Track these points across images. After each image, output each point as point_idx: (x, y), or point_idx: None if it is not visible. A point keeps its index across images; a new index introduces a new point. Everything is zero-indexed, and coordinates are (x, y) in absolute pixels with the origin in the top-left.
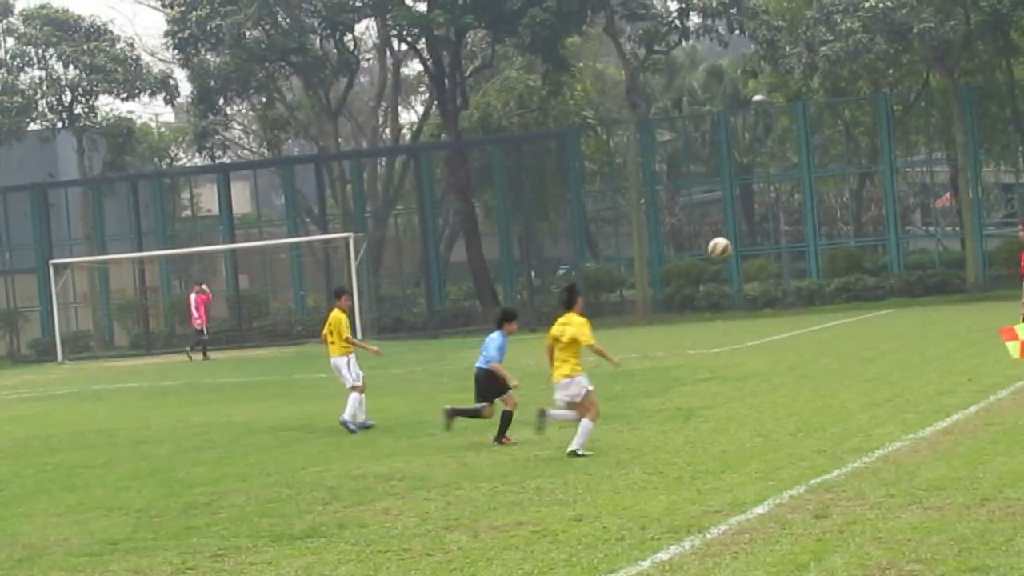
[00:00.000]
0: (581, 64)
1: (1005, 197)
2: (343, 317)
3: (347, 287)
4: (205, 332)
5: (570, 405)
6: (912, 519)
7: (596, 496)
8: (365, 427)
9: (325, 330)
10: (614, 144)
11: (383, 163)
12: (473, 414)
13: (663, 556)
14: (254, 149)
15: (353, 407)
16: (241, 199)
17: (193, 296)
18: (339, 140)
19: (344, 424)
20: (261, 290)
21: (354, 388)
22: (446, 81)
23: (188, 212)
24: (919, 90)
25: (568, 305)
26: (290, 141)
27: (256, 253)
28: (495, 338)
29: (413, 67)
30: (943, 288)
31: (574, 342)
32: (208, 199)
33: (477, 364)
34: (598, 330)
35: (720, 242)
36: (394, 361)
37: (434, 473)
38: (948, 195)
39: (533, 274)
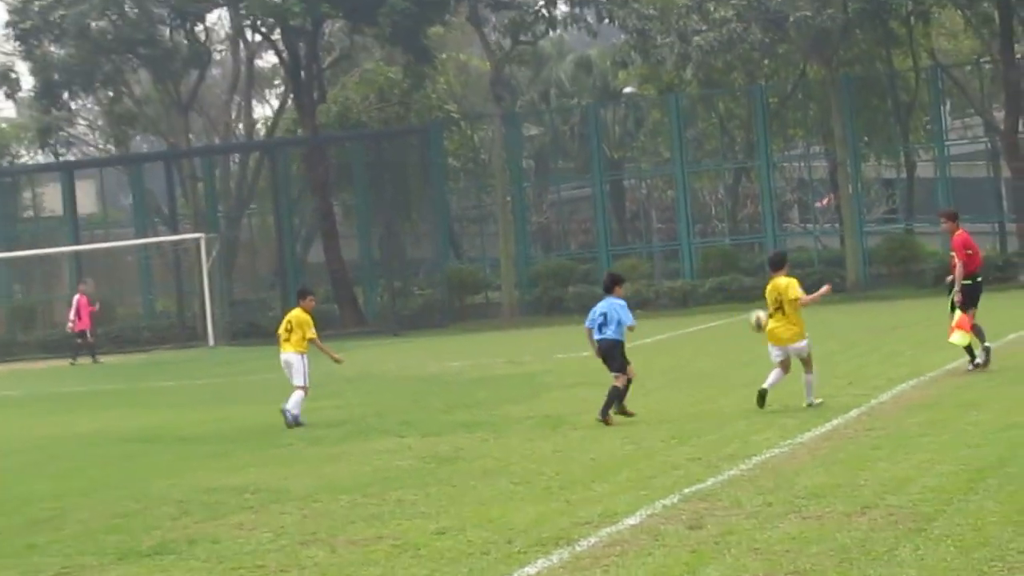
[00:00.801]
0: (444, 55)
1: (886, 192)
2: (308, 317)
3: (310, 287)
4: (88, 335)
5: (782, 364)
6: (790, 528)
7: (460, 508)
8: (297, 424)
9: (282, 327)
10: (479, 139)
11: (236, 160)
12: (617, 396)
13: (530, 570)
14: (100, 146)
15: (298, 401)
16: (87, 199)
17: (76, 297)
18: (190, 136)
19: (284, 412)
20: (107, 294)
21: (301, 387)
22: (302, 74)
23: (30, 212)
24: (796, 81)
25: (777, 267)
26: (138, 137)
27: (102, 256)
28: (619, 303)
29: (268, 59)
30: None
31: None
32: (52, 199)
33: (601, 336)
34: (461, 334)
35: (762, 317)
36: (247, 368)
37: (290, 485)
38: (829, 196)
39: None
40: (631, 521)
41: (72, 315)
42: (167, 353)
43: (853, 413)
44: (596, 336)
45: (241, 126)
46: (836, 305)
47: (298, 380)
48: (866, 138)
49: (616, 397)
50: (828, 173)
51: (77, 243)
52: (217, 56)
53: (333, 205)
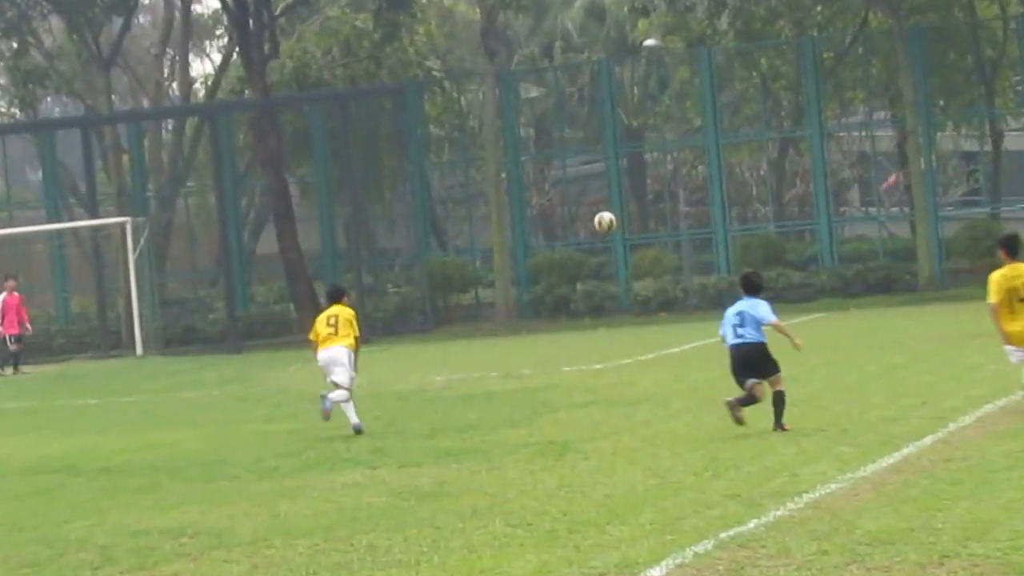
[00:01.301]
0: (424, 0)
1: (966, 169)
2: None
3: (344, 286)
4: (10, 341)
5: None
6: None
7: (445, 556)
8: (360, 431)
9: (322, 323)
10: (467, 103)
11: (169, 127)
12: (750, 401)
13: None
14: (3, 109)
15: (352, 405)
16: None
17: (4, 296)
18: (112, 98)
19: (357, 428)
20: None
21: (347, 389)
22: (250, 22)
23: None
24: (856, 33)
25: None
26: (49, 99)
27: (5, 244)
28: (760, 303)
29: (207, 4)
30: (888, 286)
31: None
32: None
33: (739, 340)
34: (446, 341)
35: (606, 216)
36: (184, 382)
37: (237, 527)
38: (896, 174)
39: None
40: (655, 573)
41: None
42: (86, 364)
43: (927, 440)
44: (732, 340)
45: (175, 86)
46: (904, 307)
47: (345, 378)
48: (941, 102)
49: (784, 402)
50: (895, 145)
51: None
52: (146, 1)
53: (288, 182)
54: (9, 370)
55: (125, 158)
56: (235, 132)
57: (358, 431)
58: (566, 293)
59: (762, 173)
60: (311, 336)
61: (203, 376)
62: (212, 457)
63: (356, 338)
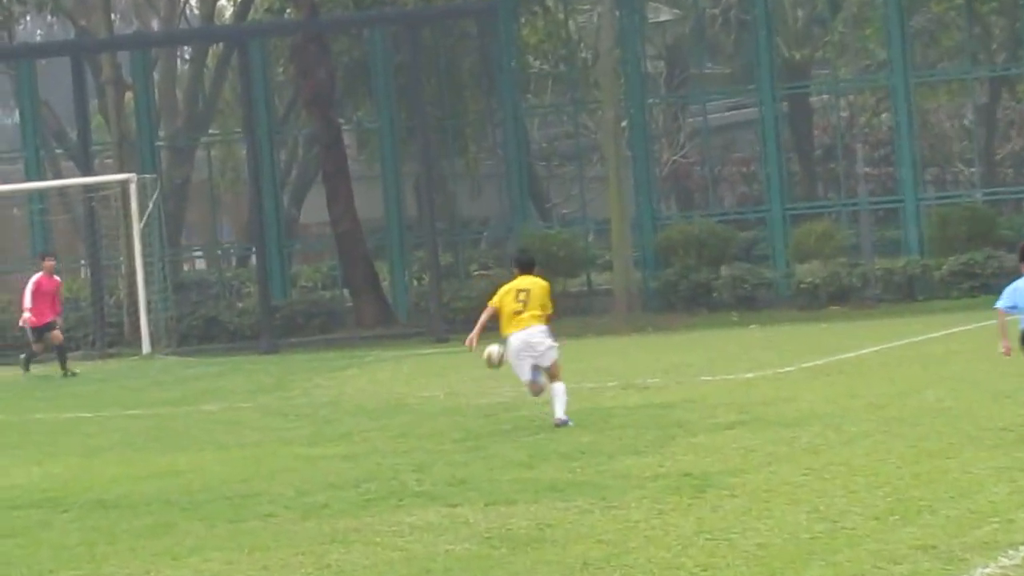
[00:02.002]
0: None
1: None
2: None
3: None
4: (33, 336)
5: None
6: None
7: None
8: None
9: (511, 296)
10: (576, 28)
11: (186, 57)
12: None
13: None
14: None
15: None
16: None
17: (39, 277)
18: (112, 18)
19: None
20: None
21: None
22: None
23: None
24: None
25: None
26: (29, 19)
27: None
28: None
29: None
30: None
31: None
32: None
33: None
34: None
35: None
36: (204, 391)
37: None
38: None
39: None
40: None
41: (29, 302)
42: (77, 366)
43: None
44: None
45: (193, 3)
46: None
47: (547, 360)
48: None
49: None
50: None
51: None
52: None
53: (342, 130)
54: (24, 370)
55: (128, 96)
56: (272, 64)
57: (562, 424)
58: (706, 278)
59: (966, 123)
60: (492, 302)
61: (229, 383)
62: (241, 489)
63: (548, 317)
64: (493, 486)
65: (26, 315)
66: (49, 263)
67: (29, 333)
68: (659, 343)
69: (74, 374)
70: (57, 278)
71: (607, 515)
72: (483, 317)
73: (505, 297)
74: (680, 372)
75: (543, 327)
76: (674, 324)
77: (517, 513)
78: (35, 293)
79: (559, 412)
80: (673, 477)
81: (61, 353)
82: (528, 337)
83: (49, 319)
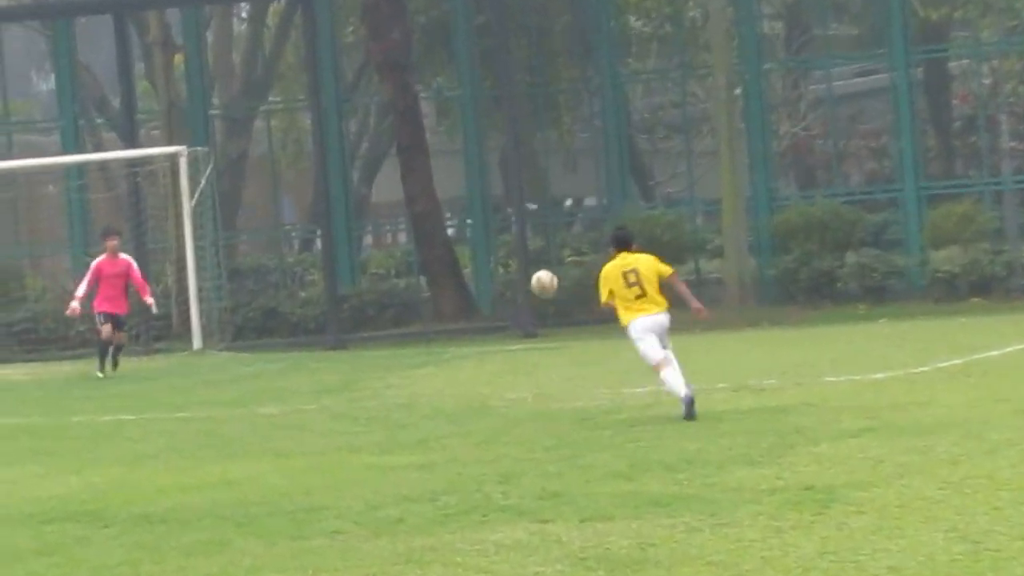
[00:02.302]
0: None
1: None
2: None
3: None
4: (100, 320)
5: None
6: None
7: None
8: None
9: (622, 283)
10: None
11: (244, 15)
12: None
13: None
14: None
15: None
16: None
17: (101, 260)
18: None
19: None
20: (8, 253)
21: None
22: None
23: None
24: None
25: None
26: None
27: (1, 183)
28: None
29: None
30: None
31: None
32: None
33: None
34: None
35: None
36: (262, 391)
37: None
38: None
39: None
40: None
41: (83, 289)
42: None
43: None
44: None
45: None
46: None
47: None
48: None
49: None
50: None
51: None
52: None
53: (418, 97)
54: (108, 368)
55: (178, 59)
56: (341, 22)
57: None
58: (830, 266)
59: None
60: (606, 301)
61: (290, 382)
62: (304, 502)
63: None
64: (589, 500)
65: (74, 304)
66: (112, 242)
67: (98, 320)
68: (776, 339)
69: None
70: (125, 258)
71: (717, 533)
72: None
73: (613, 285)
74: (800, 372)
75: (667, 315)
76: (793, 318)
77: (616, 531)
78: (96, 278)
79: (685, 387)
80: (792, 491)
81: (117, 352)
82: (661, 319)
83: (124, 310)
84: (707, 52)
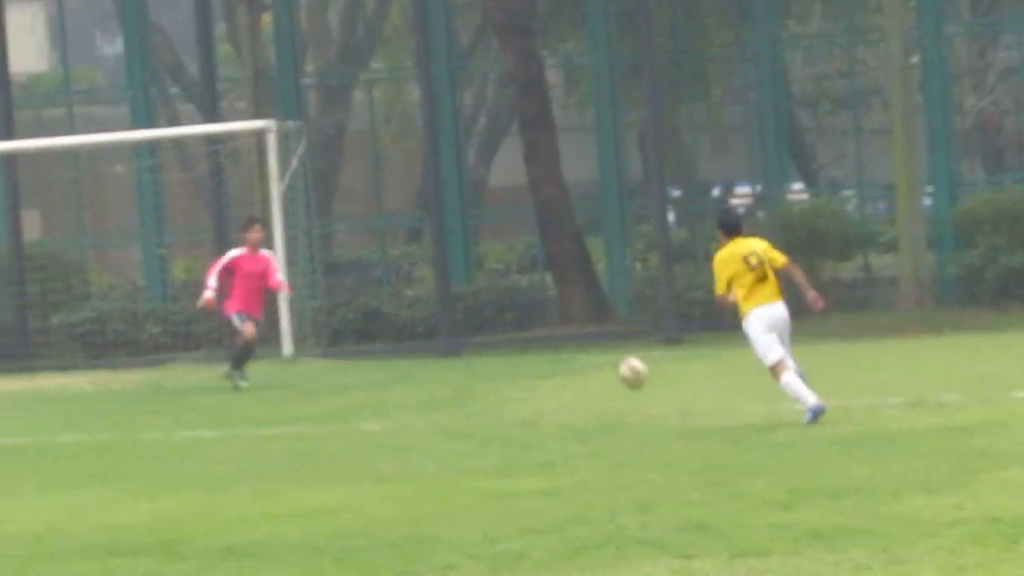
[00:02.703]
0: None
1: None
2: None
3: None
4: (239, 321)
5: None
6: None
7: None
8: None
9: (744, 267)
10: None
11: None
12: None
13: None
14: None
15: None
16: (27, 44)
17: (238, 254)
18: None
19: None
20: (70, 243)
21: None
22: None
23: None
24: None
25: None
26: None
27: (60, 161)
28: None
29: None
30: None
31: None
32: None
33: None
34: (812, 342)
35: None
36: (363, 405)
37: None
38: None
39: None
40: None
41: (214, 281)
42: (196, 370)
43: None
44: None
45: None
46: None
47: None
48: None
49: None
50: None
51: (8, 135)
52: None
53: (544, 66)
54: (241, 381)
55: (266, 20)
56: None
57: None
58: (1022, 263)
59: None
60: (724, 291)
61: (395, 395)
62: (411, 533)
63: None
64: (740, 532)
65: (207, 293)
66: (254, 234)
67: (234, 321)
68: (958, 347)
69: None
70: (266, 254)
71: (889, 572)
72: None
73: (732, 269)
74: (986, 386)
75: (787, 310)
76: (978, 322)
77: (771, 568)
78: (228, 273)
79: (812, 397)
80: (976, 523)
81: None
82: (780, 312)
83: (261, 315)
84: (879, 14)
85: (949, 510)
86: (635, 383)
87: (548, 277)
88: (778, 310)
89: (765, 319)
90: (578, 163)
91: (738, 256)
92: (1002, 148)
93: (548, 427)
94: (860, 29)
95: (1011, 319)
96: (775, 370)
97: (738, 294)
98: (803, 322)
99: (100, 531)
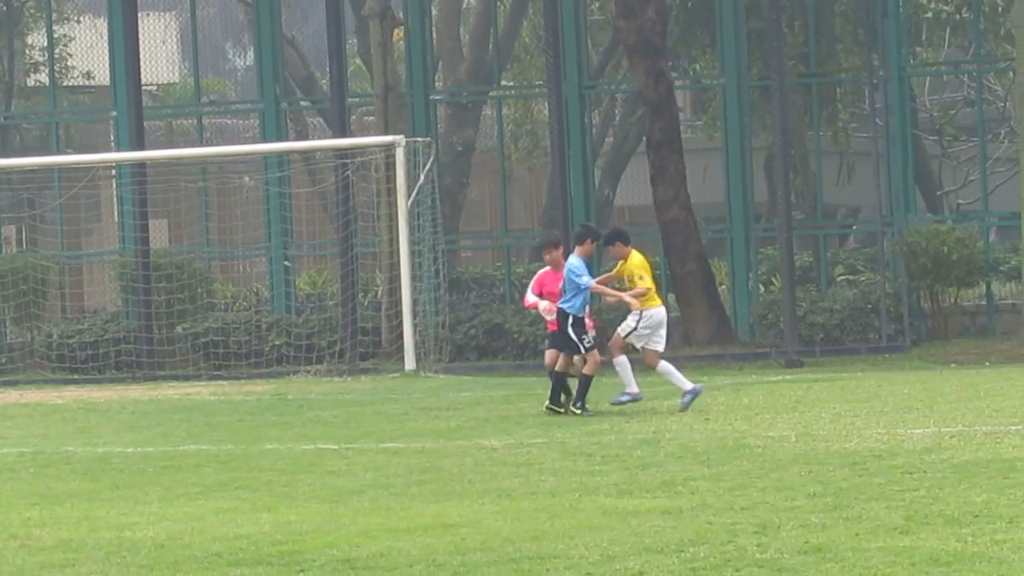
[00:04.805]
0: None
1: None
2: None
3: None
4: (588, 340)
5: None
6: None
7: None
8: None
9: (650, 275)
10: None
11: None
12: None
13: None
14: None
15: None
16: (157, 54)
17: (543, 273)
18: None
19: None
20: (196, 254)
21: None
22: None
23: (38, 76)
24: None
25: None
26: None
27: (189, 173)
28: None
29: None
30: None
31: None
32: (87, 49)
33: None
34: (931, 367)
35: None
36: (485, 422)
37: None
38: None
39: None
40: None
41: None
42: (319, 383)
43: None
44: None
45: None
46: None
47: None
48: None
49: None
50: None
51: (137, 143)
52: None
53: (674, 87)
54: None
55: (398, 35)
56: None
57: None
58: None
59: None
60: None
61: (518, 411)
62: (531, 550)
63: None
64: (857, 556)
65: (545, 303)
66: (554, 253)
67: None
68: None
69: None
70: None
71: None
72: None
73: (647, 274)
74: None
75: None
76: None
77: None
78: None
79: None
80: None
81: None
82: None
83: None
84: (1008, 43)
85: None
86: None
87: (671, 298)
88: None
89: (658, 319)
90: (705, 185)
91: (646, 265)
92: None
93: (669, 447)
94: (989, 57)
95: None
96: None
97: (650, 292)
98: (925, 348)
99: (221, 541)
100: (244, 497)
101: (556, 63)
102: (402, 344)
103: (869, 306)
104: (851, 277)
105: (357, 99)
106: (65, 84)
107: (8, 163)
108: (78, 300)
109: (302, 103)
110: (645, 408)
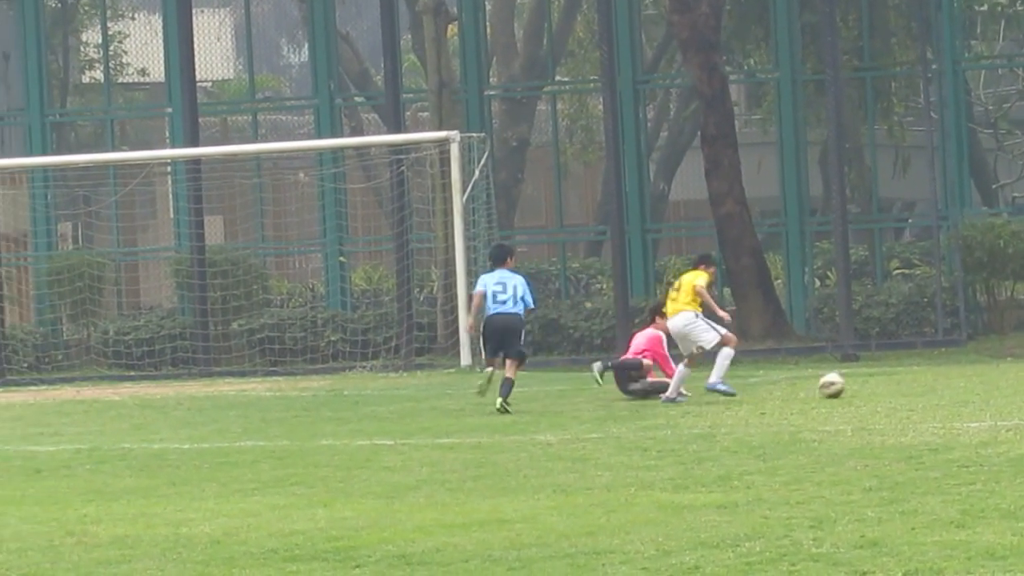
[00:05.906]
0: None
1: None
2: None
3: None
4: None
5: None
6: None
7: None
8: None
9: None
10: None
11: None
12: None
13: None
14: None
15: None
16: (212, 51)
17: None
18: None
19: None
20: (251, 251)
21: None
22: None
23: (93, 73)
24: None
25: None
26: None
27: (244, 169)
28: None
29: None
30: None
31: None
32: (141, 46)
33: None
34: (989, 360)
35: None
36: (538, 415)
37: None
38: None
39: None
40: None
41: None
42: (374, 379)
43: None
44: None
45: None
46: None
47: None
48: None
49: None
50: None
51: (193, 140)
52: None
53: (728, 82)
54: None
55: (452, 31)
56: None
57: None
58: None
59: None
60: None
61: (572, 407)
62: (586, 545)
63: None
64: (913, 549)
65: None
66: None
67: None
68: None
69: None
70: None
71: None
72: None
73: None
74: None
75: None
76: None
77: None
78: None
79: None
80: None
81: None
82: None
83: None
84: None
85: None
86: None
87: (727, 292)
88: None
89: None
90: (759, 179)
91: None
92: None
93: (724, 442)
94: None
95: None
96: None
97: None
98: (981, 342)
99: (277, 537)
100: (300, 493)
101: (610, 58)
102: (457, 340)
103: (925, 300)
104: (906, 271)
105: (411, 95)
106: (120, 81)
107: (63, 160)
108: (134, 296)
109: (356, 99)
110: (700, 403)
